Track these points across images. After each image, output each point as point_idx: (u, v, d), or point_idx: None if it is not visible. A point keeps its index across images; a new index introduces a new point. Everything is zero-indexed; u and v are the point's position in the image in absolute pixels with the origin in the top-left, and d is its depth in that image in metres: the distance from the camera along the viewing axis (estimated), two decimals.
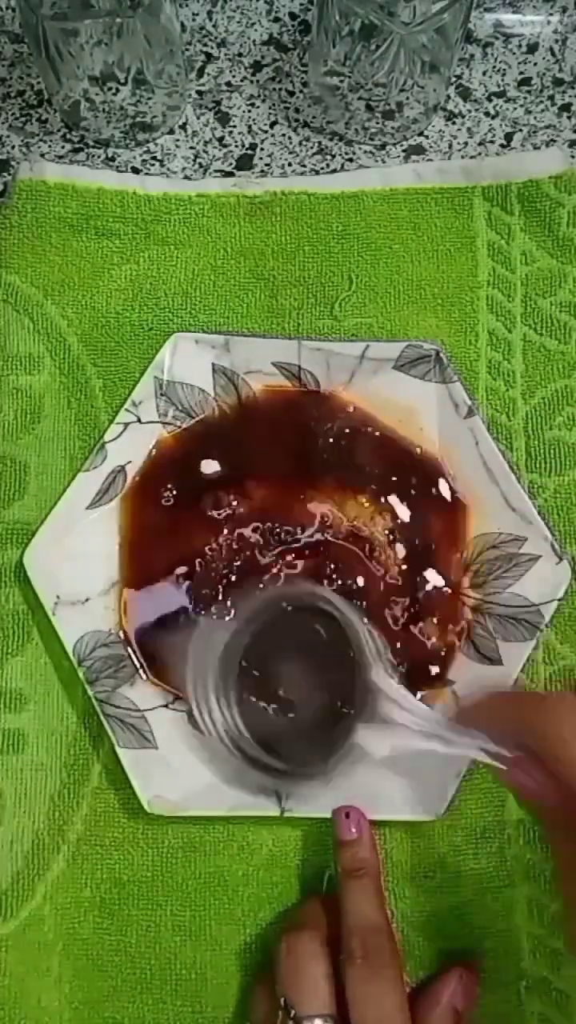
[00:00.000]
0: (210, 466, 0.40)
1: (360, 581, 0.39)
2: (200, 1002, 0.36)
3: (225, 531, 0.39)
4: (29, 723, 0.38)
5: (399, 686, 0.34)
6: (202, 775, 0.37)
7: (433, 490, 0.40)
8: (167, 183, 0.43)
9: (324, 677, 0.37)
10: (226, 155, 0.46)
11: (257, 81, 0.47)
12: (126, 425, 0.40)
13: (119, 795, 0.38)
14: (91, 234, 0.43)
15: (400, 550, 0.39)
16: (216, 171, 0.46)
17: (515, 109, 0.47)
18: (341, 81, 0.42)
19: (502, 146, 0.46)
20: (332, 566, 0.39)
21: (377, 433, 0.41)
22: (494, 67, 0.47)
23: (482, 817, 0.38)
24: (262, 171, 0.46)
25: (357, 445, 0.40)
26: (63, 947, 0.37)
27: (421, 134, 0.46)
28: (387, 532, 0.40)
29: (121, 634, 0.39)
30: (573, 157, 0.46)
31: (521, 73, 0.47)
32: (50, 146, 0.46)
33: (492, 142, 0.46)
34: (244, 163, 0.46)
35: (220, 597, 0.39)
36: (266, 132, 0.46)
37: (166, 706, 0.38)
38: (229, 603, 0.38)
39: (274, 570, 0.39)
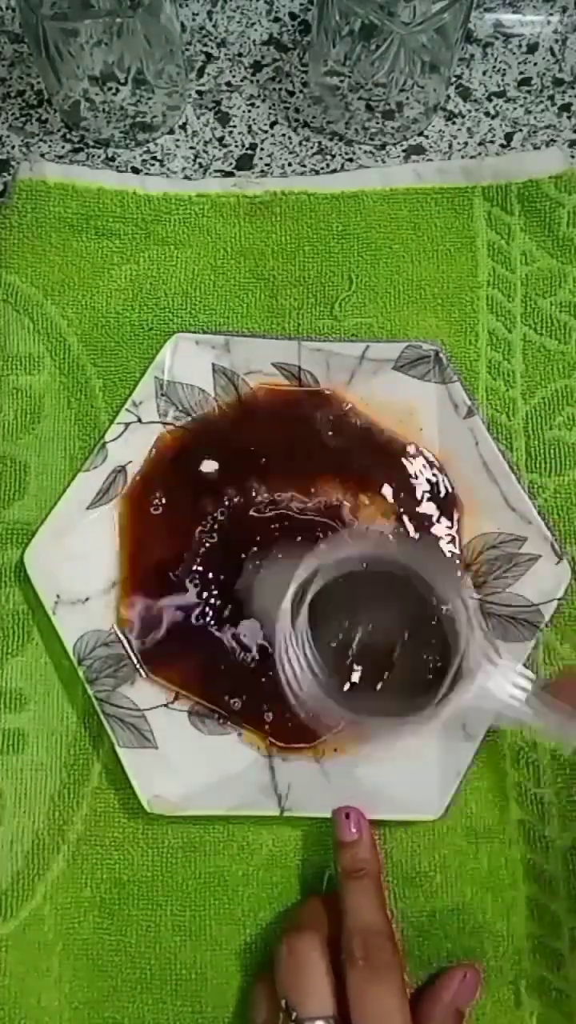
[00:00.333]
0: (210, 466, 0.40)
1: None
2: (200, 1002, 0.36)
3: (225, 530, 0.39)
4: (29, 723, 0.38)
5: (493, 647, 0.34)
6: (202, 775, 0.37)
7: (433, 490, 0.40)
8: (167, 183, 0.43)
9: (409, 631, 0.36)
10: (226, 155, 0.46)
11: (257, 81, 0.47)
12: (127, 425, 0.40)
13: (119, 795, 0.38)
14: (91, 234, 0.43)
15: None
16: (216, 171, 0.46)
17: (515, 109, 0.47)
18: (341, 81, 0.42)
19: (502, 146, 0.46)
20: None
21: (377, 433, 0.41)
22: (494, 67, 0.47)
23: (482, 817, 0.38)
24: (262, 171, 0.46)
25: (357, 445, 0.40)
26: (63, 947, 0.37)
27: (421, 134, 0.46)
28: (388, 532, 0.40)
29: (121, 633, 0.39)
30: (573, 157, 0.46)
31: (521, 73, 0.47)
32: (50, 146, 0.46)
33: (492, 142, 0.46)
34: (244, 163, 0.46)
35: (220, 596, 0.39)
36: (266, 132, 0.46)
37: (166, 705, 0.38)
38: (281, 556, 0.38)
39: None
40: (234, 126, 0.46)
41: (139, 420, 0.40)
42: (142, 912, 0.37)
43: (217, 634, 0.38)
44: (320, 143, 0.46)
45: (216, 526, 0.39)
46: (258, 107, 0.47)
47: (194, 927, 0.37)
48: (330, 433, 0.41)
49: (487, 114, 0.47)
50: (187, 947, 0.37)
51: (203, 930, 0.37)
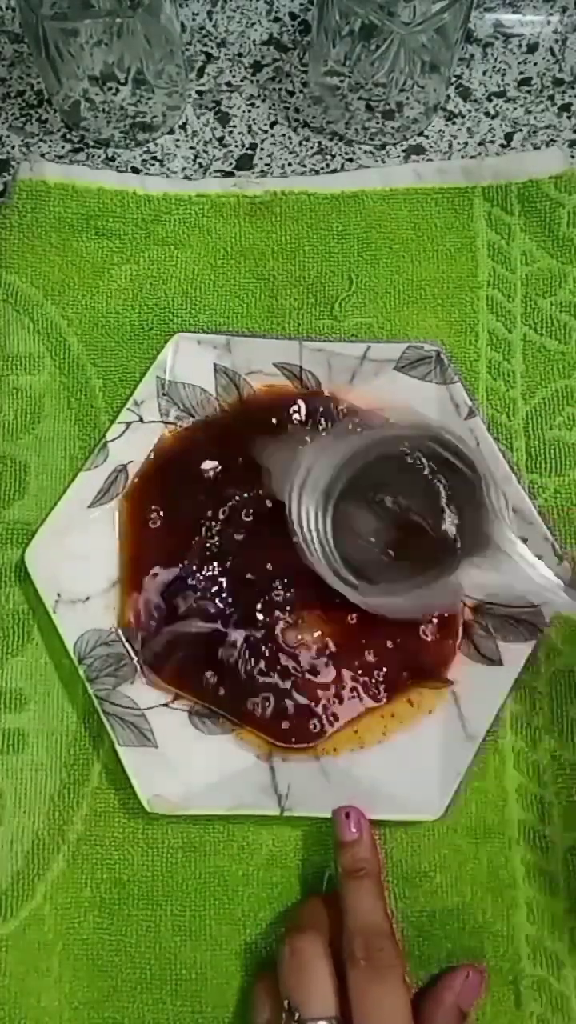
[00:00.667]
0: (211, 465, 0.40)
1: None
2: (200, 1002, 0.36)
3: (225, 530, 0.39)
4: (29, 723, 0.38)
5: (521, 542, 0.35)
6: (202, 775, 0.37)
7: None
8: (167, 183, 0.43)
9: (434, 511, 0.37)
10: (226, 155, 0.46)
11: (257, 81, 0.47)
12: (128, 424, 0.40)
13: (119, 795, 0.38)
14: (91, 234, 0.43)
15: None
16: (216, 171, 0.46)
17: (515, 109, 0.47)
18: (341, 81, 0.42)
19: (502, 146, 0.46)
20: None
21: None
22: (494, 67, 0.47)
23: (482, 817, 0.38)
24: (262, 171, 0.46)
25: None
26: (63, 947, 0.37)
27: (421, 134, 0.46)
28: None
29: (120, 632, 0.39)
30: (573, 157, 0.46)
31: (521, 73, 0.47)
32: (50, 146, 0.46)
33: (492, 142, 0.46)
34: (244, 163, 0.46)
35: (221, 595, 0.39)
36: (266, 132, 0.46)
37: (166, 705, 0.38)
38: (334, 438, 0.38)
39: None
40: (234, 126, 0.46)
41: (141, 419, 0.40)
42: (142, 912, 0.37)
43: (218, 634, 0.38)
44: (320, 143, 0.46)
45: (217, 526, 0.39)
46: (258, 107, 0.47)
47: (194, 927, 0.37)
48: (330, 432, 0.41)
49: (487, 114, 0.47)
50: (187, 947, 0.37)
51: (203, 930, 0.37)
